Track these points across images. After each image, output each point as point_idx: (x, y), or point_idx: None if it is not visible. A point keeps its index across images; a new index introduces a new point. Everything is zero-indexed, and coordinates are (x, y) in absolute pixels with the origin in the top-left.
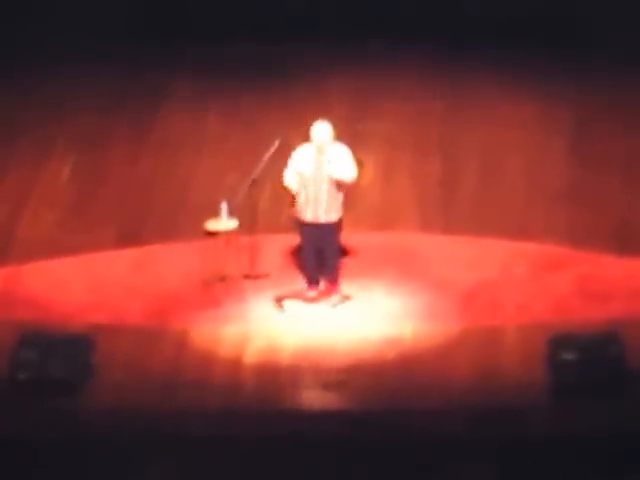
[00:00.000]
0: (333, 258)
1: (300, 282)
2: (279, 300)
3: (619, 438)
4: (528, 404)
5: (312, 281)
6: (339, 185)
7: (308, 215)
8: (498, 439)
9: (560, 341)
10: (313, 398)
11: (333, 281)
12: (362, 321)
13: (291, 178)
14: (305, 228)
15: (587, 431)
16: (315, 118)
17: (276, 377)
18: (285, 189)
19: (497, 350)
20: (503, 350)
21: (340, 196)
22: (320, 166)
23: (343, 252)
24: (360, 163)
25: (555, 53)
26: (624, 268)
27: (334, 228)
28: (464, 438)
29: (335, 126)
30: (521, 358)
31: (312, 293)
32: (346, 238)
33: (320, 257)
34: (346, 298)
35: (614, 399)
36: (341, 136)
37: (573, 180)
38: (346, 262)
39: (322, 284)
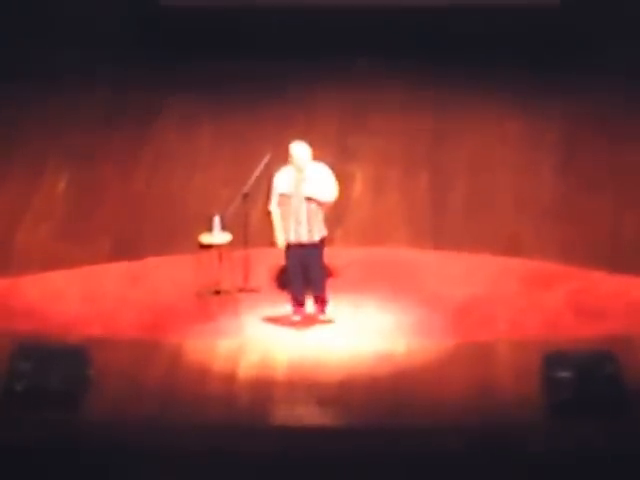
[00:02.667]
0: (319, 277)
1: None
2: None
3: (615, 456)
4: (523, 421)
5: (297, 303)
6: (319, 204)
7: (291, 236)
8: (492, 456)
9: (555, 359)
10: (307, 413)
11: (321, 300)
12: (355, 337)
13: (274, 204)
14: (287, 248)
15: (582, 449)
16: (304, 133)
17: (270, 392)
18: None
19: (490, 367)
20: (496, 367)
21: (321, 215)
22: (299, 186)
23: (333, 268)
24: (349, 178)
25: (541, 70)
26: (615, 284)
27: (317, 247)
28: (457, 455)
29: (324, 142)
30: (515, 375)
31: (297, 317)
32: (336, 253)
33: (306, 276)
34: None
35: (610, 417)
36: (330, 151)
37: (562, 196)
38: (336, 278)
39: (308, 307)
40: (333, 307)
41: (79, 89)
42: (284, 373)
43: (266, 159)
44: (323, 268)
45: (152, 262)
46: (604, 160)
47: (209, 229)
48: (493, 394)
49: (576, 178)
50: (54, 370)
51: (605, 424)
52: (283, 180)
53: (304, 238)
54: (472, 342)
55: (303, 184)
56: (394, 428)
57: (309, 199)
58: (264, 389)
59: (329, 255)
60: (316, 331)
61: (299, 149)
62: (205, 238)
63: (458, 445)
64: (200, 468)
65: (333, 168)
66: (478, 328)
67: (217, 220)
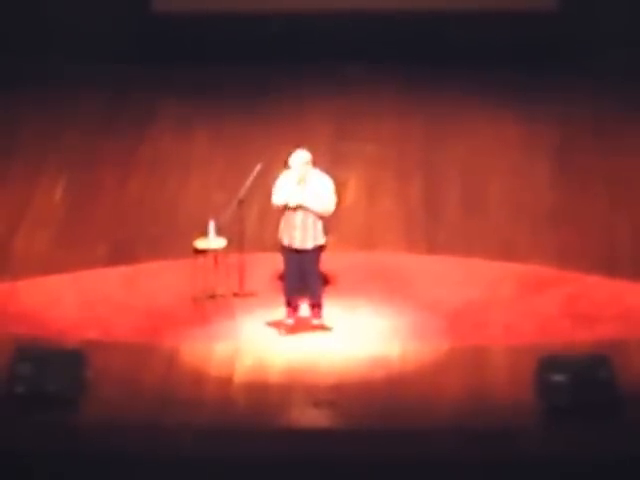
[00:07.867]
0: (314, 284)
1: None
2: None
3: (609, 460)
4: (517, 425)
5: (290, 305)
6: (315, 214)
7: (285, 239)
8: (486, 460)
9: (550, 363)
10: (303, 416)
11: (316, 304)
12: (349, 341)
13: (278, 197)
14: (283, 251)
15: (577, 453)
16: (298, 139)
17: (266, 395)
18: (274, 210)
19: (485, 371)
20: (491, 371)
21: (319, 224)
22: (297, 194)
23: (327, 273)
24: (343, 184)
25: (538, 75)
26: (610, 289)
27: (311, 255)
28: (452, 458)
29: (317, 147)
30: (509, 379)
31: (290, 320)
32: (331, 258)
33: (302, 280)
34: (324, 328)
35: (604, 421)
36: (323, 157)
37: (558, 201)
38: (331, 282)
39: (303, 310)
40: (328, 311)
41: (75, 94)
42: (279, 376)
43: (259, 166)
44: (319, 274)
45: (148, 267)
46: (600, 165)
47: (204, 234)
48: (488, 398)
49: (571, 183)
50: (52, 373)
51: (599, 428)
52: (284, 185)
53: (297, 244)
54: (467, 346)
55: (301, 191)
56: (389, 431)
57: (305, 207)
58: (260, 392)
59: (324, 260)
60: (311, 335)
61: (300, 157)
62: (200, 243)
63: (453, 448)
64: (196, 471)
65: (326, 174)
66: (473, 332)
67: (212, 225)
